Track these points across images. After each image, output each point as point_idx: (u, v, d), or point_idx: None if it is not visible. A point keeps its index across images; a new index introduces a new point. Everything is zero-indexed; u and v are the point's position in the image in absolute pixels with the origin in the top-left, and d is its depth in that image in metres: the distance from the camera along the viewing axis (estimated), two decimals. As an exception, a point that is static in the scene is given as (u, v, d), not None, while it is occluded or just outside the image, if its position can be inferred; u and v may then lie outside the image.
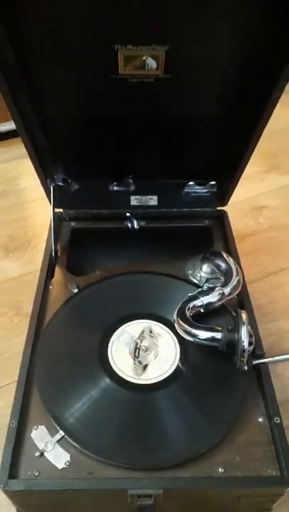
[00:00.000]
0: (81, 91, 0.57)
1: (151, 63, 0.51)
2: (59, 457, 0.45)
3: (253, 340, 0.49)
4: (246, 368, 0.49)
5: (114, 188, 0.70)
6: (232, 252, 0.65)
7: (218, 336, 0.49)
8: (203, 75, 0.54)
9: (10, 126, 1.10)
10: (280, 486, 0.44)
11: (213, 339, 0.50)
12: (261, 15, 0.47)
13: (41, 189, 0.68)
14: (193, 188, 0.69)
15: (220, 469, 0.45)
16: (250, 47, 0.50)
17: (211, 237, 0.70)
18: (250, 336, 0.47)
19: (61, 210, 0.71)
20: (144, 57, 0.50)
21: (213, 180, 0.68)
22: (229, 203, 0.70)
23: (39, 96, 0.55)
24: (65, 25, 0.48)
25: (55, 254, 0.66)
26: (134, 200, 0.71)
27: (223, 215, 0.71)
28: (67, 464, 0.45)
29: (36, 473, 0.44)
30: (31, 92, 0.54)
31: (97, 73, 0.53)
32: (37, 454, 0.45)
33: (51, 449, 0.46)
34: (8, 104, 0.53)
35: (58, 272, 0.64)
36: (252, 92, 0.53)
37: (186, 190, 0.70)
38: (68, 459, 0.45)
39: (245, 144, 0.59)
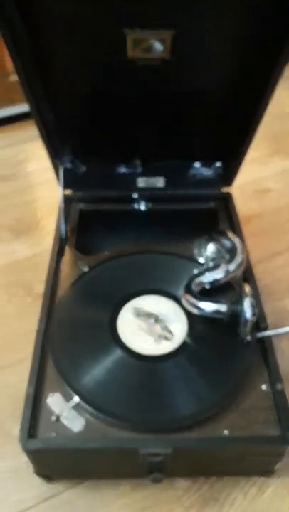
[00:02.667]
0: (90, 73, 0.58)
1: (158, 46, 0.53)
2: (74, 421, 0.48)
3: (257, 311, 0.51)
4: (250, 338, 0.51)
5: (122, 169, 0.72)
6: (237, 232, 0.67)
7: (223, 308, 0.52)
8: (207, 57, 0.56)
9: (15, 110, 1.11)
10: (282, 445, 0.47)
11: (218, 312, 0.52)
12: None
13: (48, 172, 0.69)
14: (199, 169, 0.71)
15: (225, 431, 0.47)
16: (253, 27, 0.52)
17: (217, 218, 0.72)
18: (253, 307, 0.50)
19: (70, 192, 0.73)
20: (151, 41, 0.52)
21: (218, 161, 0.70)
22: (234, 185, 0.72)
23: (50, 77, 0.57)
24: (75, 9, 0.50)
25: (65, 234, 0.68)
26: (141, 182, 0.73)
27: (228, 197, 0.73)
28: (82, 427, 0.48)
29: (53, 435, 0.47)
30: (43, 72, 0.56)
31: (106, 56, 0.55)
32: (53, 418, 0.48)
33: (66, 414, 0.49)
34: (22, 86, 0.55)
35: (68, 252, 0.67)
36: (255, 72, 0.55)
37: (191, 171, 0.71)
38: (83, 422, 0.48)
39: (249, 124, 0.60)
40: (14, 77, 1.01)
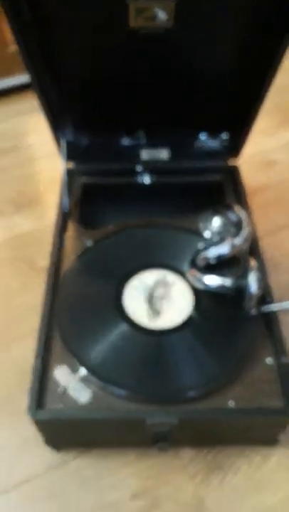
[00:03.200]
0: (93, 43, 0.56)
1: (162, 15, 0.51)
2: (81, 393, 0.49)
3: (262, 285, 0.51)
4: (254, 311, 0.51)
5: (125, 141, 0.70)
6: (243, 205, 0.66)
7: (228, 282, 0.52)
8: (212, 26, 0.54)
9: (14, 81, 1.08)
10: (285, 416, 0.48)
11: (223, 286, 0.52)
12: None
13: (50, 145, 0.68)
14: (205, 141, 0.69)
15: (231, 403, 0.48)
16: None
17: (223, 191, 0.70)
18: (259, 281, 0.50)
19: (72, 165, 0.71)
20: (154, 9, 0.51)
21: (225, 132, 0.68)
22: (240, 158, 0.70)
23: (51, 48, 0.55)
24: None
25: (68, 208, 0.67)
26: (145, 154, 0.71)
27: (234, 170, 0.71)
28: (89, 398, 0.48)
29: (61, 406, 0.48)
30: (44, 44, 0.54)
31: (109, 25, 0.53)
32: (60, 389, 0.49)
33: (73, 386, 0.49)
34: (22, 57, 0.53)
35: (71, 226, 0.66)
36: (260, 43, 0.53)
37: (197, 143, 0.70)
38: (90, 394, 0.49)
39: (256, 95, 0.59)
40: (13, 48, 0.98)
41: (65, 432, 0.52)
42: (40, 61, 0.56)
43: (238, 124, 0.65)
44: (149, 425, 0.47)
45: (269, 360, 0.51)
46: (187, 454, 0.55)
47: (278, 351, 0.51)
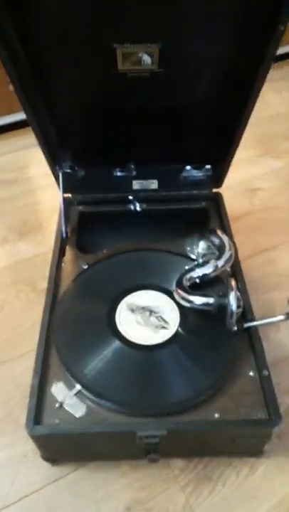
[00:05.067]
0: (85, 85, 0.62)
1: (147, 59, 0.57)
2: (76, 408, 0.52)
3: (242, 303, 0.55)
4: (236, 328, 0.55)
5: (118, 173, 0.76)
6: (226, 229, 0.71)
7: (211, 301, 0.56)
8: (193, 67, 0.60)
9: (15, 118, 1.15)
10: (268, 427, 0.51)
11: (206, 304, 0.57)
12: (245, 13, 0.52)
13: (49, 177, 0.74)
14: (190, 172, 0.75)
15: (216, 415, 0.51)
16: (236, 40, 0.56)
17: (208, 217, 0.76)
18: (238, 300, 0.54)
19: (69, 195, 0.77)
20: (140, 54, 0.56)
21: (208, 164, 0.74)
22: (225, 185, 0.75)
23: (47, 88, 0.61)
24: (68, 26, 0.54)
25: (66, 235, 0.72)
26: (136, 185, 0.77)
27: (218, 197, 0.77)
28: (84, 413, 0.52)
29: (57, 421, 0.51)
30: (40, 86, 0.60)
31: (99, 69, 0.59)
32: (57, 405, 0.52)
33: (69, 401, 0.53)
34: (19, 98, 0.59)
35: (69, 250, 0.71)
36: (239, 81, 0.59)
37: (183, 174, 0.75)
38: (84, 409, 0.52)
39: (235, 130, 0.64)
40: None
41: (61, 446, 0.55)
42: (36, 99, 0.61)
43: (220, 157, 0.70)
44: (139, 437, 0.50)
45: (252, 374, 0.55)
46: (178, 464, 0.58)
47: (260, 365, 0.55)
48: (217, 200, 0.77)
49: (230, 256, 0.63)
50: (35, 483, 0.57)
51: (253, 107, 0.61)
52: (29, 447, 0.58)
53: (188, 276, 0.61)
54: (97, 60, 0.58)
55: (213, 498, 0.55)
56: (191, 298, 0.57)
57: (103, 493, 0.56)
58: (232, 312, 0.54)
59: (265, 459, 0.58)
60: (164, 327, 0.58)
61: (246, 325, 0.57)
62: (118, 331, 0.58)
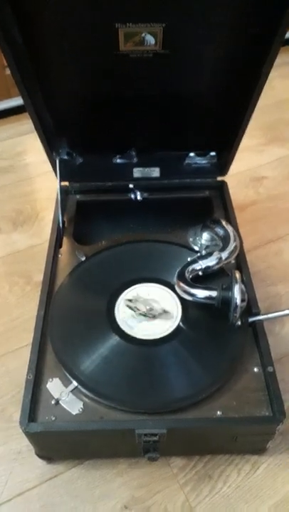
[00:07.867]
0: (85, 67, 0.59)
1: (150, 39, 0.54)
2: (73, 405, 0.50)
3: (246, 297, 0.53)
4: (240, 323, 0.53)
5: (118, 160, 0.73)
6: (231, 220, 0.68)
7: (214, 294, 0.54)
8: (198, 48, 0.56)
9: (12, 103, 1.12)
10: (272, 424, 0.49)
11: (209, 297, 0.54)
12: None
13: (46, 164, 0.71)
14: (194, 159, 0.72)
15: (218, 412, 0.49)
16: (243, 22, 0.52)
17: (212, 206, 0.73)
18: (243, 293, 0.51)
19: (67, 183, 0.74)
20: (142, 34, 0.53)
21: (212, 151, 0.71)
22: (230, 174, 0.72)
23: (45, 72, 0.58)
24: (69, 5, 0.50)
25: (63, 225, 0.70)
26: (136, 172, 0.74)
27: (223, 185, 0.74)
28: (81, 410, 0.50)
29: (53, 418, 0.49)
30: (37, 69, 0.57)
31: (99, 50, 0.55)
32: (53, 402, 0.50)
33: (65, 398, 0.51)
34: (16, 82, 0.56)
35: (66, 241, 0.68)
36: (245, 64, 0.56)
37: (187, 161, 0.72)
38: (81, 406, 0.50)
39: (241, 115, 0.61)
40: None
41: (57, 443, 0.53)
42: (33, 84, 0.58)
43: (225, 144, 0.67)
44: (138, 435, 0.48)
45: (256, 370, 0.53)
46: (177, 462, 0.56)
47: (265, 361, 0.52)
48: (222, 189, 0.74)
49: (235, 247, 0.60)
50: (29, 481, 0.55)
51: (260, 92, 0.57)
52: (24, 444, 0.56)
53: (190, 268, 0.58)
54: (98, 41, 0.54)
55: (213, 497, 0.54)
56: (194, 291, 0.55)
57: (100, 491, 0.54)
58: (236, 306, 0.51)
59: (267, 456, 0.56)
60: (164, 321, 0.56)
61: (251, 319, 0.55)
62: (117, 325, 0.56)
